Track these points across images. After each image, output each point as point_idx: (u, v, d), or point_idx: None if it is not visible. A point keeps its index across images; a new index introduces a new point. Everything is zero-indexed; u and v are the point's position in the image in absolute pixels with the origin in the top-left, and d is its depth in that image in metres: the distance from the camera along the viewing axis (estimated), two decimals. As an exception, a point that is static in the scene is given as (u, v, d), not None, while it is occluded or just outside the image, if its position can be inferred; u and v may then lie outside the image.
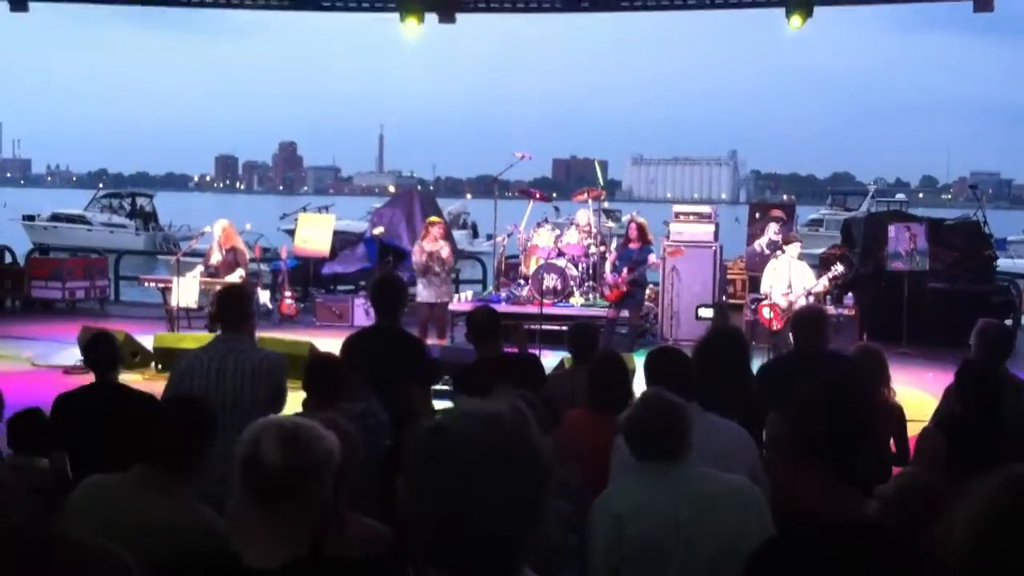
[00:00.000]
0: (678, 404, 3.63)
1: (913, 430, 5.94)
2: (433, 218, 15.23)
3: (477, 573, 1.70)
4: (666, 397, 3.69)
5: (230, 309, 5.38)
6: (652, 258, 14.10)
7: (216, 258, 13.45)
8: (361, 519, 3.29)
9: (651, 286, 16.45)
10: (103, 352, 5.63)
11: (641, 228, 14.24)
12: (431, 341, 13.20)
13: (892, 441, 5.76)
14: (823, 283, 12.90)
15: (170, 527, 3.22)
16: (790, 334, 12.00)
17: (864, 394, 4.29)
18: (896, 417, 5.76)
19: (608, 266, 14.36)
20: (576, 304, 14.73)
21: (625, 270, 13.75)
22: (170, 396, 3.52)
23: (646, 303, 15.91)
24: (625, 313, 13.96)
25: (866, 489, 4.15)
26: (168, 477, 3.36)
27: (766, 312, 12.71)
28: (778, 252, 13.47)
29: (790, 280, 12.67)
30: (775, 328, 12.53)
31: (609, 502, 3.60)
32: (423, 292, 13.70)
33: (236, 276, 13.13)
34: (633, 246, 14.06)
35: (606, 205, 23.40)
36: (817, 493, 2.47)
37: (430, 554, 1.71)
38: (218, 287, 10.98)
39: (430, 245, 13.81)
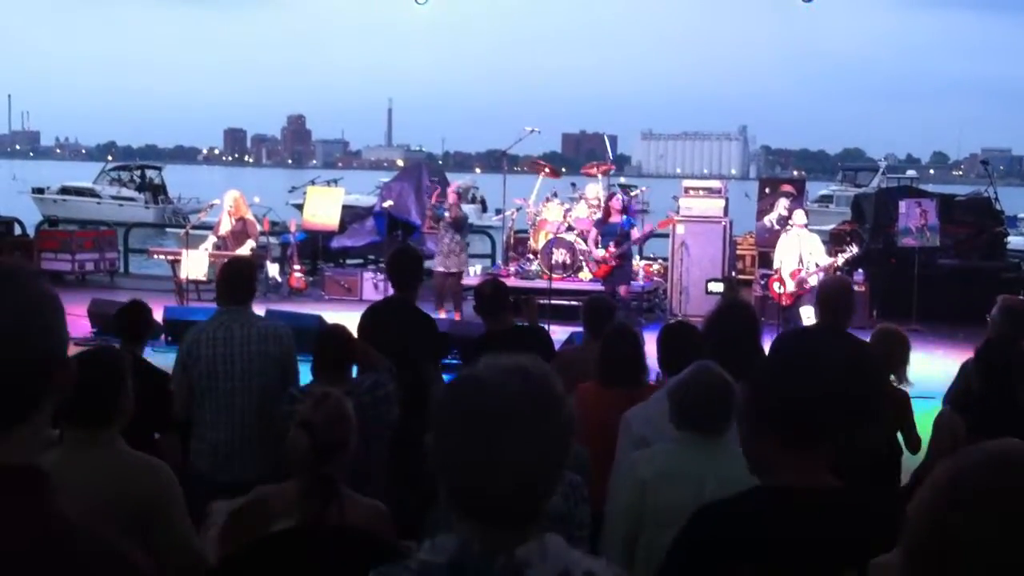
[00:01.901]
0: (728, 380, 3.59)
1: (922, 407, 5.88)
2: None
3: (503, 519, 1.74)
4: (717, 371, 3.65)
5: (236, 284, 5.37)
6: (635, 232, 14.02)
7: (226, 228, 13.43)
8: (359, 498, 3.27)
9: (660, 261, 16.43)
10: (132, 321, 5.63)
11: (622, 201, 14.23)
12: (445, 313, 13.34)
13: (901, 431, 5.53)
14: (835, 261, 12.83)
15: (92, 482, 3.21)
16: (800, 309, 12.08)
17: (839, 370, 4.27)
18: (900, 405, 5.48)
19: (591, 242, 14.28)
20: (585, 279, 14.68)
21: (612, 245, 13.67)
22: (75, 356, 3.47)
23: (655, 278, 15.91)
24: (621, 288, 13.80)
25: (865, 474, 4.14)
26: (89, 434, 3.36)
27: (776, 287, 12.67)
28: (788, 227, 13.43)
29: (801, 255, 12.62)
30: (785, 303, 12.50)
31: (638, 467, 3.58)
32: (436, 260, 13.95)
33: (246, 248, 13.11)
34: (615, 220, 13.92)
35: (622, 180, 23.19)
36: (772, 460, 2.56)
37: (457, 502, 1.76)
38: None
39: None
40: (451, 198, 14.69)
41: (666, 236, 15.62)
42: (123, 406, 3.48)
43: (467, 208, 26.97)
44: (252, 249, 13.22)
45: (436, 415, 1.78)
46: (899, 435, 5.44)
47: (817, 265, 12.49)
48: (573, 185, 17.68)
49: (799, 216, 13.04)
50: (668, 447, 3.63)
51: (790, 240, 12.86)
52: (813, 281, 12.15)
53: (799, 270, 12.46)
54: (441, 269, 14.08)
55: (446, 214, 14.28)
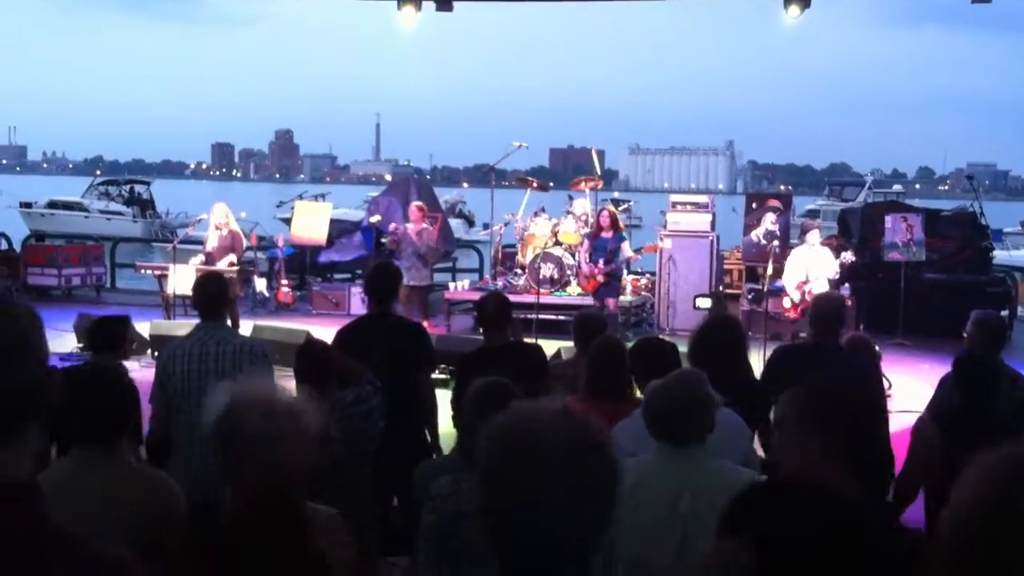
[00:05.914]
0: (702, 392, 3.53)
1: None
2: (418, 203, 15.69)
3: (549, 563, 1.76)
4: (692, 381, 3.60)
5: (208, 299, 5.34)
6: (625, 247, 13.96)
7: (213, 243, 13.33)
8: (314, 507, 3.16)
9: (648, 275, 16.45)
10: (103, 333, 5.62)
11: (613, 216, 14.11)
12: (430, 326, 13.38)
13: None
14: (834, 269, 12.89)
15: (110, 498, 3.22)
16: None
17: (872, 387, 4.41)
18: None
19: (583, 257, 14.28)
20: (573, 294, 14.70)
21: (602, 261, 13.67)
22: (77, 376, 3.44)
23: (643, 292, 15.92)
24: (609, 302, 13.77)
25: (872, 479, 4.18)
26: (102, 450, 3.35)
27: (786, 302, 12.76)
28: (799, 242, 13.45)
29: (807, 269, 12.68)
30: (793, 317, 12.55)
31: None
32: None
33: (226, 263, 12.98)
34: (606, 235, 13.86)
35: (616, 195, 23.18)
36: (814, 464, 2.74)
37: (506, 547, 1.78)
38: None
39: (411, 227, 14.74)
40: (435, 232, 14.84)
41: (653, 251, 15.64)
42: (133, 419, 3.49)
43: (453, 223, 27.01)
44: (231, 263, 13.06)
45: (484, 463, 1.80)
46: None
47: (828, 280, 12.59)
48: (570, 198, 17.66)
49: (813, 236, 13.07)
50: (644, 459, 3.59)
51: (799, 255, 12.93)
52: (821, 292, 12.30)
53: (804, 283, 12.52)
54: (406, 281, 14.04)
55: (430, 244, 14.53)
